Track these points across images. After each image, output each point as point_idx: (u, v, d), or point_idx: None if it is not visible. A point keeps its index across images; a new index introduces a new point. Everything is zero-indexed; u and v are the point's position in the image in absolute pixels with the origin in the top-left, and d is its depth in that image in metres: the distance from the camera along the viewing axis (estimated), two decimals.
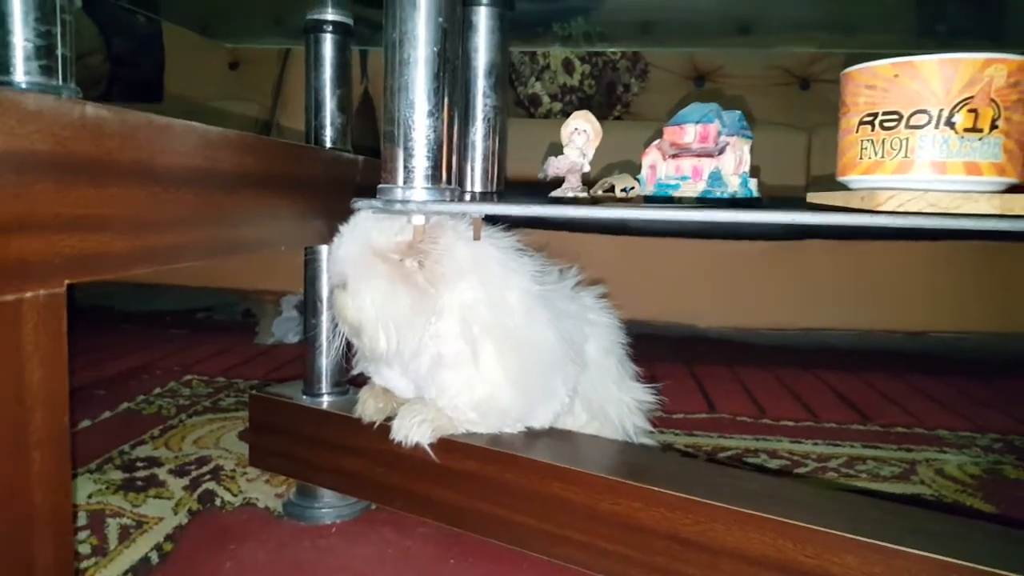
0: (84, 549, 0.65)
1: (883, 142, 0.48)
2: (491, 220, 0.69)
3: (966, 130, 0.46)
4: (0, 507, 0.34)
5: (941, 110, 0.46)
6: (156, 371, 1.33)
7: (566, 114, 2.23)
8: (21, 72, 0.40)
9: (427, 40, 0.53)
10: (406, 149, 0.55)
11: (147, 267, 0.42)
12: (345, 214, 0.67)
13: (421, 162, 0.55)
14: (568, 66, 1.92)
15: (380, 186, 0.59)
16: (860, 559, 0.48)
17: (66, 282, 0.36)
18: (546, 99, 1.92)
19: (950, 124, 0.46)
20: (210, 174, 0.50)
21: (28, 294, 0.34)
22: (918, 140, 0.47)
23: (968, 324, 1.41)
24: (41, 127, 0.34)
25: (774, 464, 0.94)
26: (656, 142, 0.59)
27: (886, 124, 0.47)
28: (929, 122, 0.46)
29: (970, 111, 0.46)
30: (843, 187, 0.53)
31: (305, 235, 0.67)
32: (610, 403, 0.75)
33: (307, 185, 0.65)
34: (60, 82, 0.44)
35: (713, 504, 0.53)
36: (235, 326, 1.84)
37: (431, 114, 0.55)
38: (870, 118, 0.48)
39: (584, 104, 1.89)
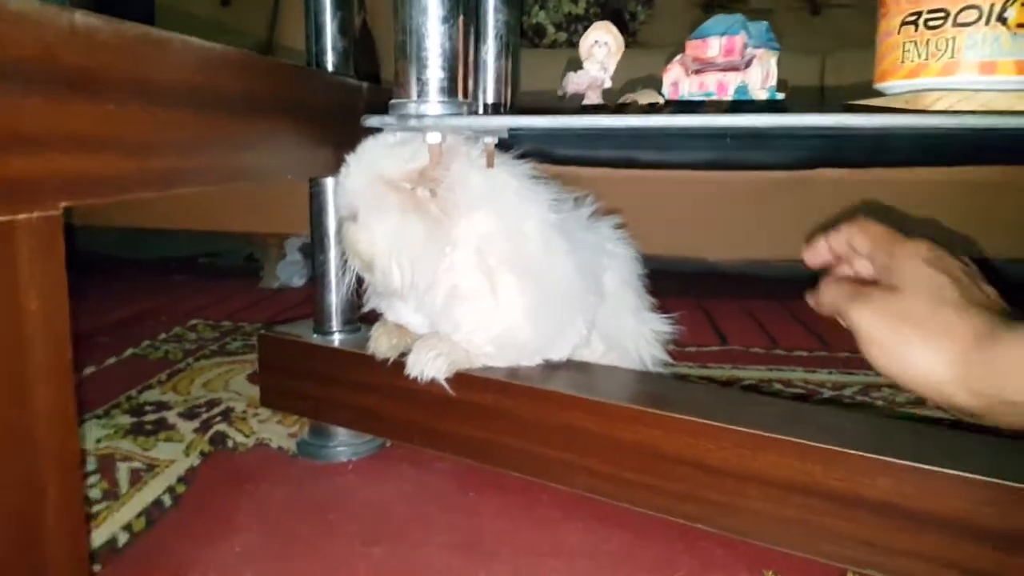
0: (95, 493, 0.65)
1: (927, 43, 0.44)
2: (504, 148, 0.66)
3: (1019, 25, 0.42)
4: (3, 447, 0.33)
5: (992, 4, 0.42)
6: (161, 316, 1.32)
7: (572, 44, 2.15)
8: None
9: None
10: (419, 60, 0.51)
11: (147, 192, 0.40)
12: (351, 143, 0.63)
13: (436, 73, 0.52)
14: None
15: (392, 101, 0.55)
16: (892, 480, 0.47)
17: (62, 204, 0.34)
18: (551, 29, 1.84)
19: (1002, 19, 0.42)
20: (211, 94, 0.47)
21: (21, 216, 0.31)
22: (966, 38, 0.43)
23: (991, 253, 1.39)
24: (26, 32, 0.31)
25: (790, 393, 0.94)
26: (678, 57, 0.56)
27: (931, 22, 0.44)
28: (979, 18, 0.43)
29: (1023, 5, 0.42)
30: (879, 95, 0.50)
31: (311, 164, 0.64)
32: (627, 335, 0.73)
33: (312, 111, 0.62)
34: None
35: (737, 429, 0.52)
36: (239, 271, 1.81)
37: (445, 20, 0.51)
38: (914, 17, 0.45)
39: None
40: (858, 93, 0.52)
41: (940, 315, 0.43)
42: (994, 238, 1.29)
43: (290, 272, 1.60)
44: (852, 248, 0.52)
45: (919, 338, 0.43)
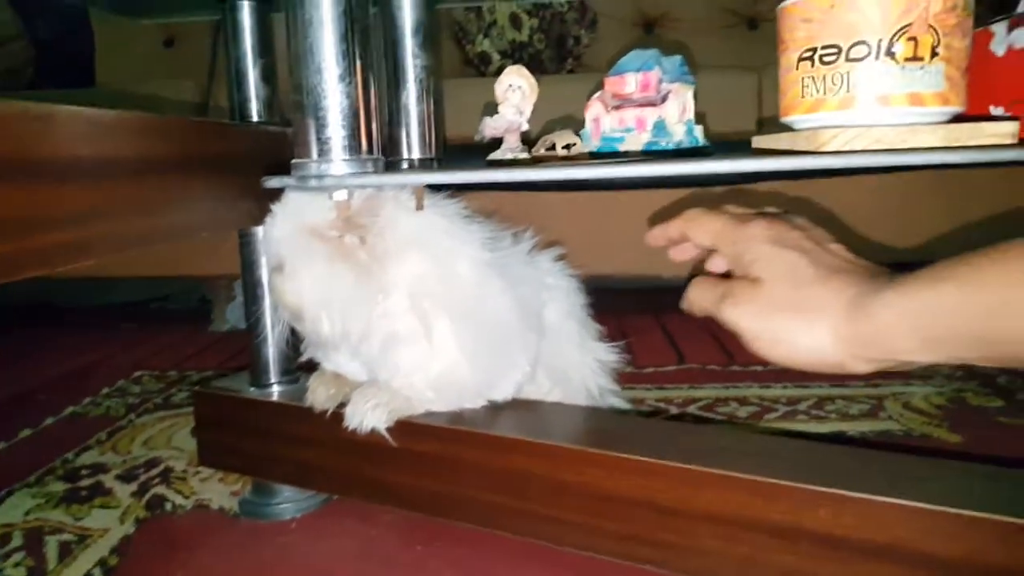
0: (19, 573, 0.61)
1: (824, 78, 0.45)
2: (435, 187, 0.65)
3: (907, 59, 0.43)
4: None
5: (880, 40, 0.43)
6: (103, 369, 1.27)
7: None
8: None
9: None
10: (318, 119, 0.50)
11: (38, 270, 0.37)
12: (277, 192, 0.62)
13: (337, 131, 0.50)
14: (515, 21, 1.85)
15: (294, 161, 0.54)
16: (832, 511, 0.47)
17: None
18: (496, 56, 1.85)
19: (890, 54, 0.43)
20: (109, 162, 0.45)
21: None
22: (859, 73, 0.44)
23: (926, 251, 1.42)
24: None
25: (744, 412, 0.94)
26: (598, 94, 0.55)
27: (826, 58, 0.44)
28: (869, 54, 0.43)
29: (909, 39, 0.43)
30: (788, 128, 0.50)
31: (234, 217, 0.62)
32: (572, 367, 0.72)
33: (230, 163, 0.60)
34: None
35: (682, 467, 0.51)
36: (190, 315, 1.76)
37: (342, 78, 0.49)
38: (809, 53, 0.45)
39: (535, 59, 1.82)
40: (768, 126, 0.52)
41: (805, 294, 0.44)
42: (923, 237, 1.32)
43: (239, 313, 1.56)
44: (687, 239, 0.53)
45: (795, 323, 0.44)
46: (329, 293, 0.59)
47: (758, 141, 0.54)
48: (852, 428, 0.87)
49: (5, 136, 0.36)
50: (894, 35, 0.42)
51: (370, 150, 0.53)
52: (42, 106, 0.38)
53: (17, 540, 0.66)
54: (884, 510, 0.45)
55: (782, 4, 0.47)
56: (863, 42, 0.43)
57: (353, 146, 0.51)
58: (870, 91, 0.44)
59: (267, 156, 0.66)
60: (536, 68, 1.88)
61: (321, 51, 0.49)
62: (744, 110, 1.44)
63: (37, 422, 0.99)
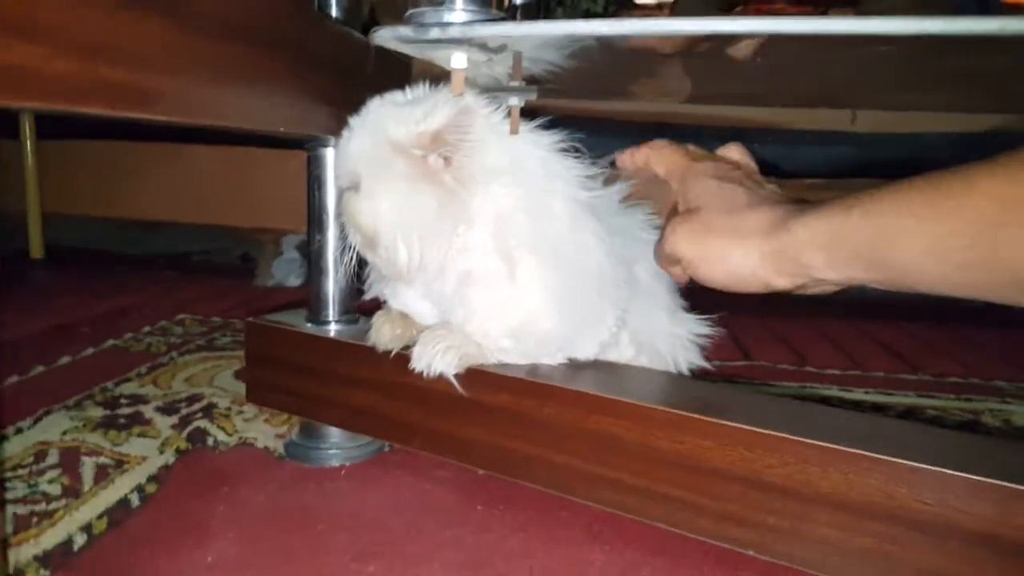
0: (53, 489, 0.56)
1: None
2: (528, 115, 0.58)
3: None
4: None
5: None
6: (146, 309, 1.24)
7: None
8: None
9: None
10: None
11: (93, 106, 0.32)
12: (356, 104, 0.56)
13: None
14: None
15: (410, 11, 0.47)
16: (995, 504, 0.39)
17: None
18: None
19: None
20: (195, 9, 0.40)
21: None
22: None
23: None
24: None
25: None
26: None
27: None
28: None
29: None
30: None
31: (306, 120, 0.56)
32: (660, 335, 0.65)
33: (311, 57, 0.55)
34: None
35: (803, 442, 0.44)
36: (232, 270, 1.74)
37: None
38: None
39: None
40: None
41: (739, 219, 0.49)
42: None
43: (286, 270, 1.52)
44: (649, 167, 0.59)
45: (728, 243, 0.49)
46: (409, 217, 0.54)
47: None
48: None
49: None
50: None
51: (498, 4, 0.46)
52: None
53: (53, 457, 0.62)
54: None
55: None
56: None
57: None
58: None
59: (349, 64, 0.60)
60: None
61: None
62: None
63: (77, 351, 0.96)
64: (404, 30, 0.46)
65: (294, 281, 1.51)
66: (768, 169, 0.58)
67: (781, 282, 0.48)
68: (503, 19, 0.47)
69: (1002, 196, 0.37)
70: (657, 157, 0.59)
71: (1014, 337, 1.28)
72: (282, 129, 0.49)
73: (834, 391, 0.94)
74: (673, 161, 0.57)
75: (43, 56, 0.28)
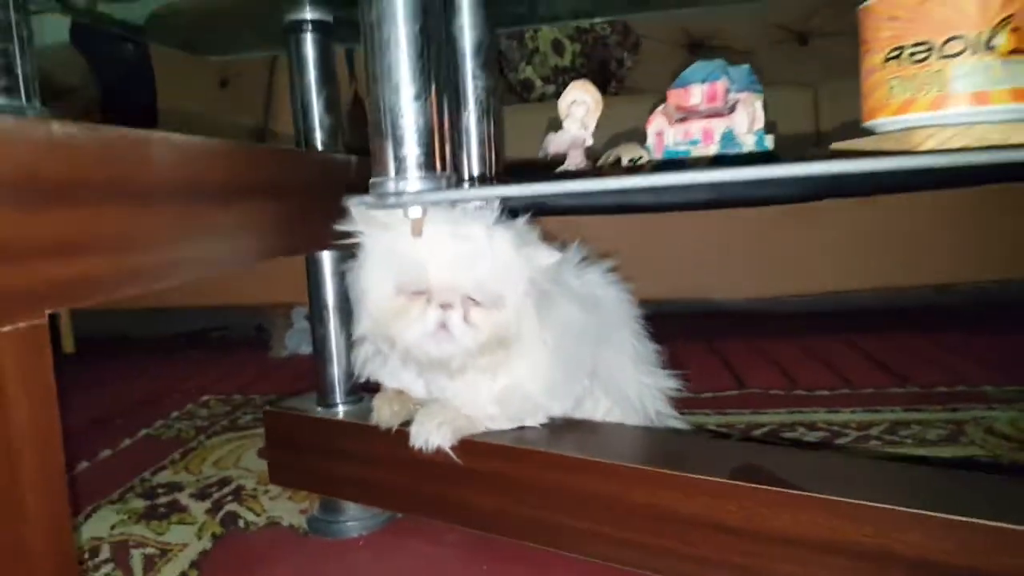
0: None
1: (914, 77, 0.43)
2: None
3: (1010, 52, 0.41)
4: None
5: (979, 33, 0.42)
6: (173, 394, 1.32)
7: (560, 96, 2.15)
8: None
9: (406, 17, 0.49)
10: (395, 138, 0.52)
11: (134, 289, 0.40)
12: (342, 216, 0.63)
13: (412, 150, 0.52)
14: (558, 47, 1.88)
15: (372, 180, 0.55)
16: (926, 535, 0.44)
17: (47, 311, 0.34)
18: (538, 83, 1.87)
19: (990, 48, 0.41)
20: (195, 187, 0.47)
21: (6, 328, 0.31)
22: (954, 70, 0.42)
23: (997, 272, 1.36)
24: (5, 150, 0.31)
25: (813, 437, 0.90)
26: (660, 107, 0.56)
27: (916, 56, 0.43)
28: (966, 48, 0.42)
29: (1013, 31, 0.41)
30: (869, 133, 0.49)
31: (304, 242, 0.64)
32: (629, 383, 0.71)
33: (301, 189, 0.62)
34: (24, 101, 0.41)
35: (757, 487, 0.50)
36: (249, 342, 1.82)
37: (418, 97, 0.51)
38: (896, 52, 0.44)
39: None
40: (853, 128, 0.51)
41: None
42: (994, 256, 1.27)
43: (298, 340, 1.60)
44: None
45: None
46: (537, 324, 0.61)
47: (837, 146, 0.53)
48: (932, 454, 0.83)
49: (108, 159, 0.38)
50: (995, 27, 0.41)
51: (443, 167, 0.54)
52: (138, 131, 0.41)
53: (105, 552, 0.69)
54: (988, 535, 0.43)
55: (863, 4, 0.46)
56: (959, 37, 0.42)
57: (428, 163, 0.52)
58: (967, 88, 0.42)
59: (334, 182, 0.68)
60: None
61: (398, 70, 0.51)
62: (802, 127, 1.41)
63: (116, 444, 1.04)
64: (369, 198, 0.54)
65: (306, 349, 1.59)
66: None
67: None
68: (448, 186, 0.55)
69: None
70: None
71: (1002, 341, 1.32)
72: (284, 256, 0.57)
73: (821, 414, 0.99)
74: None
75: (90, 264, 0.36)
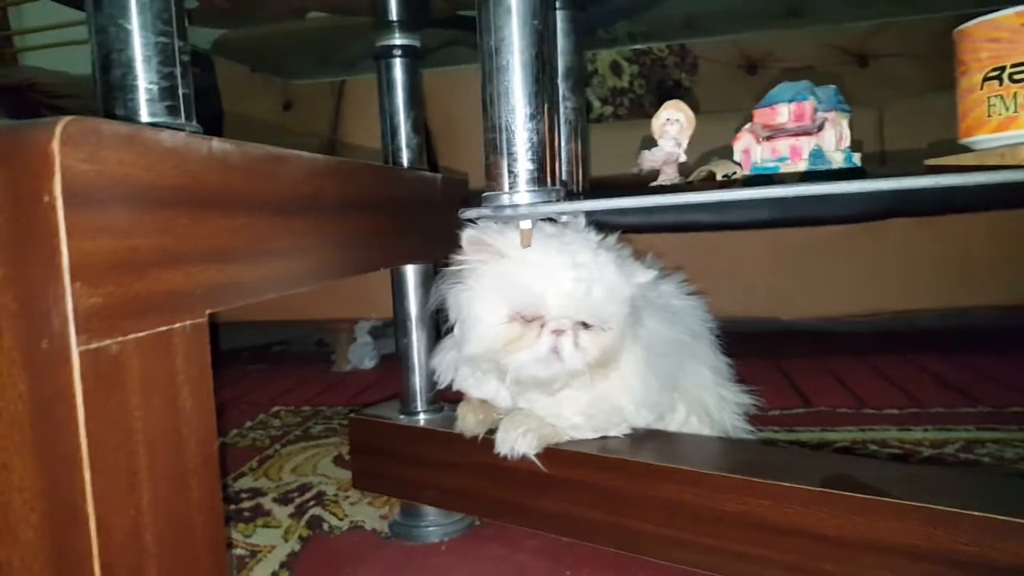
0: None
1: (1014, 96, 0.45)
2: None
3: None
4: (170, 535, 0.35)
5: None
6: (241, 405, 1.37)
7: (618, 117, 2.18)
8: (147, 113, 0.41)
9: (523, 44, 0.53)
10: (509, 155, 0.55)
11: (272, 293, 0.43)
12: (430, 231, 0.67)
13: (524, 166, 0.55)
14: (616, 68, 1.91)
15: (486, 194, 0.59)
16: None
17: (207, 312, 0.37)
18: (597, 104, 1.91)
19: None
20: (317, 200, 0.51)
21: (177, 325, 0.34)
22: None
23: None
24: (177, 163, 0.35)
25: (886, 454, 0.90)
26: (747, 126, 0.58)
27: (1016, 76, 0.44)
28: None
29: None
30: (966, 150, 0.50)
31: (400, 255, 0.68)
32: (709, 395, 0.72)
33: (397, 205, 0.66)
34: (184, 120, 0.45)
35: (849, 495, 0.50)
36: (310, 357, 1.87)
37: (532, 117, 0.55)
38: (996, 72, 0.46)
39: (635, 104, 1.87)
40: (937, 148, 0.53)
41: None
42: None
43: (361, 355, 1.64)
44: None
45: None
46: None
47: (933, 163, 0.54)
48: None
49: (255, 174, 0.42)
50: None
51: (552, 182, 0.57)
52: (277, 149, 0.45)
53: None
54: None
55: (961, 27, 0.48)
56: None
57: (539, 178, 0.56)
58: None
59: (425, 199, 0.72)
60: (637, 113, 1.92)
61: (514, 93, 0.54)
62: (867, 148, 1.41)
63: None
64: (486, 211, 0.59)
65: (368, 364, 1.63)
66: None
67: None
68: (557, 199, 0.59)
69: None
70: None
71: None
72: (384, 268, 0.60)
73: (893, 432, 0.97)
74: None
75: (240, 270, 0.40)
